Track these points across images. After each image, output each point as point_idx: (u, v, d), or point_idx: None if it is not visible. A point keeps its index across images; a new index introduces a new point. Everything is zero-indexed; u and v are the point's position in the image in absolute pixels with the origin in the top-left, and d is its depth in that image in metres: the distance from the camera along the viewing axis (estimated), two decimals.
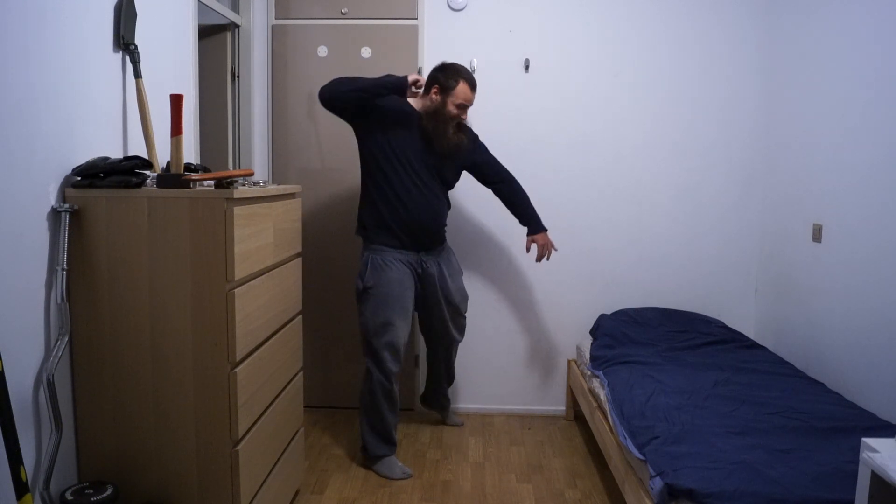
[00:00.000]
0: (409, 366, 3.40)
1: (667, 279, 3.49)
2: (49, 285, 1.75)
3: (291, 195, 2.39)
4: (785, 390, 2.50)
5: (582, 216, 3.47)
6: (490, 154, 3.08)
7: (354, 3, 3.39)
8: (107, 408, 1.84)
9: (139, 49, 2.11)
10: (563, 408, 3.57)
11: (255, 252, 1.97)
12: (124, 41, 2.06)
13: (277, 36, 3.42)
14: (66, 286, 1.75)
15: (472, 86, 2.81)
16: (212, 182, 1.89)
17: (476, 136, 3.05)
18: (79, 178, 1.81)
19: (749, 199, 3.45)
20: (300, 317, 2.51)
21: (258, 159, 3.47)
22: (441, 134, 2.79)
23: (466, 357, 3.51)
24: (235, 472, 1.85)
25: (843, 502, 1.66)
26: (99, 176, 1.81)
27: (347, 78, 2.73)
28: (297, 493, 2.62)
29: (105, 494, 1.71)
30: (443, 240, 3.02)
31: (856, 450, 1.57)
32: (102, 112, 2.00)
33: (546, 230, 3.09)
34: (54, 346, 1.74)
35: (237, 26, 3.33)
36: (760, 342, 3.27)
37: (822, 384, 2.63)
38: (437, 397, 3.36)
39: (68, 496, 1.69)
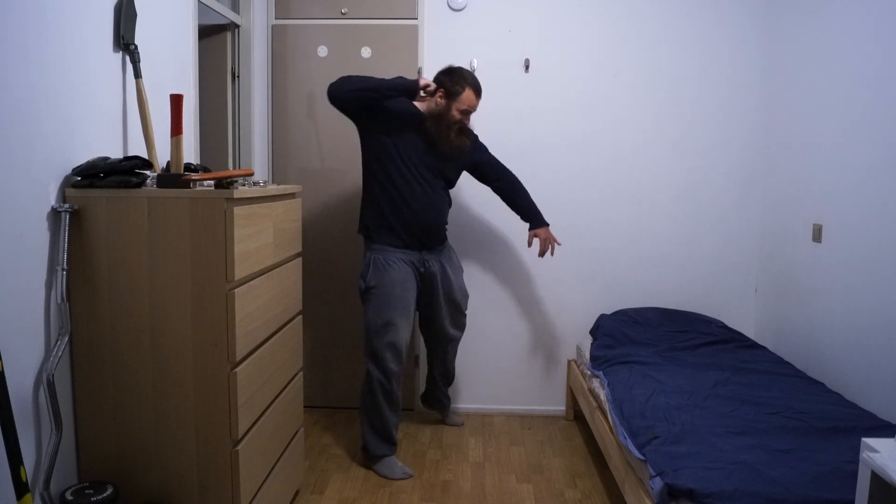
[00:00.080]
0: (409, 366, 3.39)
1: (667, 279, 3.49)
2: (49, 285, 1.75)
3: (291, 195, 2.39)
4: (785, 390, 2.50)
5: (582, 216, 3.47)
6: (489, 153, 3.09)
7: (354, 3, 3.39)
8: (107, 408, 1.84)
9: (139, 49, 2.11)
10: (563, 408, 3.57)
11: (255, 252, 1.97)
12: (124, 41, 2.06)
13: (277, 36, 3.42)
14: (66, 286, 1.75)
15: (478, 92, 2.82)
16: (212, 182, 1.89)
17: (476, 137, 3.06)
18: (79, 178, 1.81)
19: (749, 199, 3.45)
20: (300, 317, 2.51)
21: (258, 159, 3.47)
22: (444, 137, 2.80)
23: (466, 357, 3.51)
24: (235, 472, 1.85)
25: (843, 502, 1.66)
26: (99, 176, 1.81)
27: (357, 77, 2.72)
28: (297, 493, 2.61)
29: (105, 494, 1.71)
30: (444, 238, 3.03)
31: (856, 450, 1.57)
32: (102, 112, 2.00)
33: (548, 225, 3.11)
34: (54, 346, 1.74)
35: (237, 26, 3.33)
36: (760, 342, 3.27)
37: (822, 384, 2.63)
38: (437, 397, 3.36)
39: (68, 496, 1.69)
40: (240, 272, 1.84)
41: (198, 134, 2.73)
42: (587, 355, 3.15)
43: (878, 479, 1.45)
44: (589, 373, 3.03)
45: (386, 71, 2.96)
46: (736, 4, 3.36)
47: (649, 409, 2.32)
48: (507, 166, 3.14)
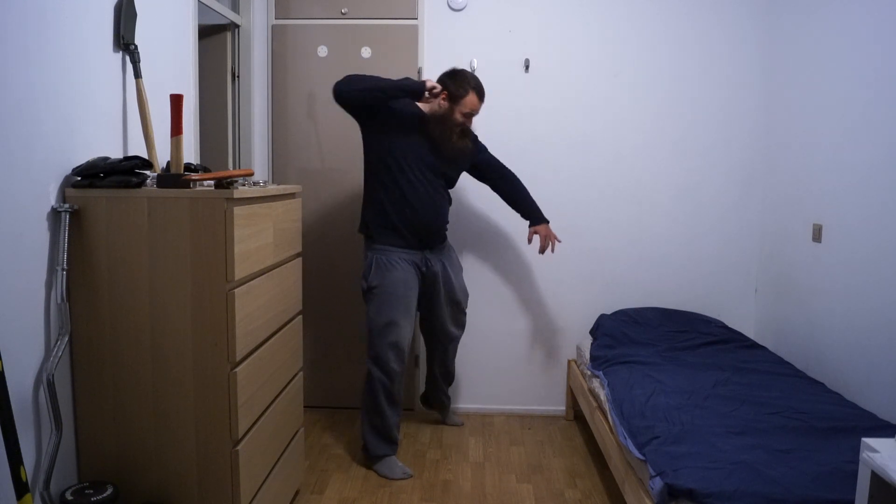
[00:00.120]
0: (409, 366, 3.38)
1: (667, 279, 3.49)
2: (49, 285, 1.75)
3: (291, 195, 2.39)
4: (785, 390, 2.50)
5: (582, 216, 3.47)
6: (488, 152, 3.11)
7: (354, 3, 3.39)
8: (107, 408, 1.84)
9: (139, 49, 2.11)
10: (563, 408, 3.57)
11: (255, 252, 1.97)
12: (124, 41, 2.06)
13: (277, 36, 3.42)
14: (66, 286, 1.75)
15: (481, 96, 2.83)
16: (212, 182, 1.89)
17: (475, 137, 3.06)
18: (79, 178, 1.81)
19: (749, 199, 3.45)
20: (300, 317, 2.51)
21: (258, 159, 3.47)
22: (447, 139, 2.81)
23: (466, 357, 3.51)
24: (235, 472, 1.85)
25: (843, 502, 1.66)
26: (99, 176, 1.81)
27: (364, 76, 2.71)
28: (297, 493, 2.61)
29: (105, 494, 1.71)
30: (445, 237, 3.04)
31: (856, 450, 1.57)
32: (102, 112, 2.00)
33: (548, 222, 3.11)
34: (54, 346, 1.74)
35: (237, 26, 3.33)
36: (760, 342, 3.27)
37: (822, 384, 2.63)
38: (438, 397, 3.36)
39: (68, 496, 1.69)
40: (240, 272, 1.84)
41: (198, 134, 2.73)
42: (587, 355, 3.15)
43: (878, 479, 1.45)
44: (589, 373, 3.03)
45: (386, 71, 2.96)
46: (736, 4, 3.36)
47: (649, 409, 2.32)
48: (508, 166, 3.14)
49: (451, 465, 2.96)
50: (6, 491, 1.53)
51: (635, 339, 3.10)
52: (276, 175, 3.48)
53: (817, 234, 2.86)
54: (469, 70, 3.27)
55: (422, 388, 3.46)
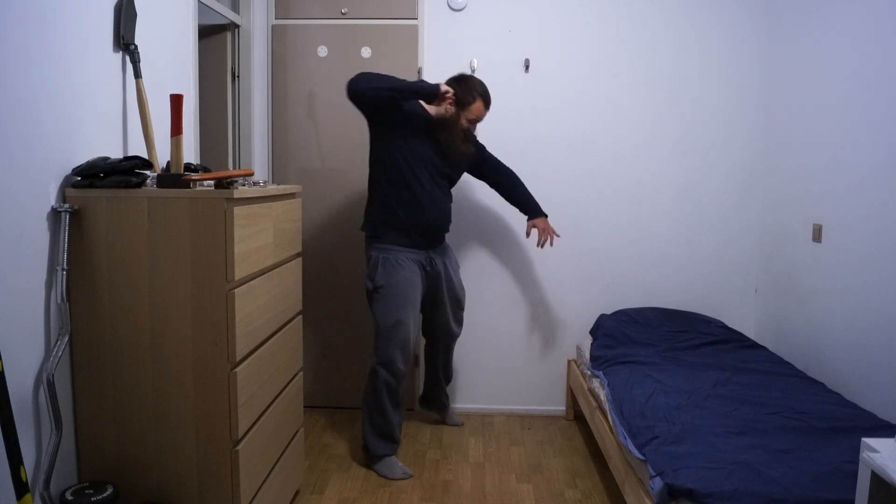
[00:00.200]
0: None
1: (667, 279, 3.49)
2: (49, 285, 1.75)
3: (291, 195, 2.39)
4: (785, 390, 2.50)
5: (582, 216, 3.47)
6: (487, 151, 3.12)
7: (354, 3, 3.39)
8: (107, 408, 1.84)
9: (139, 49, 2.11)
10: (563, 408, 3.57)
11: (255, 252, 1.97)
12: (124, 41, 2.06)
13: (277, 36, 3.42)
14: (66, 286, 1.75)
15: (487, 104, 2.85)
16: (212, 182, 1.89)
17: (475, 137, 3.06)
18: (79, 178, 1.81)
19: (749, 199, 3.45)
20: (300, 317, 2.51)
21: (258, 159, 3.47)
22: (453, 143, 2.83)
23: (466, 357, 3.51)
24: (235, 472, 1.85)
25: (843, 502, 1.66)
26: (99, 176, 1.81)
27: (377, 74, 2.71)
28: (297, 493, 2.62)
29: (105, 494, 1.71)
30: (444, 237, 3.05)
31: (856, 450, 1.57)
32: (102, 112, 2.00)
33: (546, 216, 3.13)
34: (54, 346, 1.74)
35: (237, 26, 3.33)
36: (760, 342, 3.27)
37: (822, 384, 2.63)
38: (437, 396, 3.36)
39: (68, 496, 1.69)
40: (240, 272, 1.84)
41: (198, 134, 2.73)
42: (587, 355, 3.15)
43: (878, 479, 1.45)
44: (589, 373, 3.03)
45: (386, 71, 2.95)
46: (736, 4, 3.36)
47: (649, 409, 2.32)
48: (508, 166, 3.15)
49: (451, 465, 2.96)
50: (6, 491, 1.53)
51: (635, 339, 3.10)
52: (276, 175, 3.48)
53: (817, 234, 2.86)
54: (471, 71, 3.29)
55: (421, 388, 3.46)
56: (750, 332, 3.42)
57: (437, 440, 3.24)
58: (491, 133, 3.23)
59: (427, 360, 3.30)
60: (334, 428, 3.33)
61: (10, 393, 1.50)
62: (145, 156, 2.11)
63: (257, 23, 3.39)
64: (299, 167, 3.49)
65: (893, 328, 2.36)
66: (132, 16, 2.09)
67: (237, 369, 1.84)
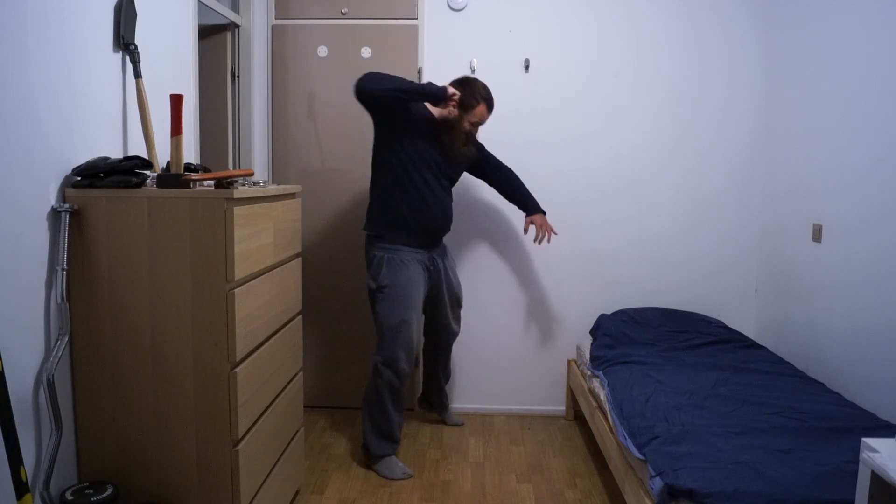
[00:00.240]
0: None
1: (667, 279, 3.49)
2: (49, 285, 1.75)
3: (291, 195, 2.40)
4: (785, 390, 2.50)
5: (582, 216, 3.47)
6: (485, 150, 3.14)
7: (354, 3, 3.39)
8: (107, 408, 1.84)
9: (139, 49, 2.11)
10: (563, 408, 3.57)
11: (255, 252, 1.97)
12: (124, 41, 2.06)
13: (277, 36, 3.41)
14: (66, 286, 1.75)
15: (490, 108, 2.86)
16: (212, 182, 1.89)
17: (474, 137, 3.06)
18: (79, 178, 1.81)
19: (749, 199, 3.45)
20: (300, 317, 2.51)
21: (258, 159, 3.47)
22: (455, 146, 2.84)
23: (466, 357, 3.51)
24: (235, 472, 1.85)
25: (843, 502, 1.66)
26: (99, 176, 1.81)
27: (385, 75, 2.70)
28: (297, 493, 2.62)
29: (105, 494, 1.71)
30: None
31: (856, 450, 1.57)
32: (102, 112, 2.00)
33: (544, 213, 3.13)
34: (54, 346, 1.74)
35: (237, 26, 3.33)
36: (760, 342, 3.27)
37: (822, 384, 2.63)
38: (437, 396, 3.36)
39: (68, 496, 1.69)
40: (240, 272, 1.84)
41: (198, 134, 2.73)
42: (587, 355, 3.15)
43: (878, 479, 1.45)
44: (589, 373, 3.03)
45: (385, 71, 2.95)
46: (736, 4, 3.36)
47: (649, 409, 2.32)
48: (507, 165, 3.15)
49: (451, 465, 2.96)
50: (6, 491, 1.53)
51: (635, 339, 3.10)
52: (276, 175, 3.48)
53: (817, 234, 2.86)
54: (471, 71, 3.29)
55: (421, 388, 3.46)
56: (750, 332, 3.42)
57: (437, 440, 3.24)
58: (491, 133, 3.23)
59: (427, 359, 3.30)
60: (334, 428, 3.33)
61: (10, 393, 1.50)
62: (145, 156, 2.11)
63: (257, 23, 3.39)
64: (299, 167, 3.49)
65: (893, 328, 2.36)
66: (132, 16, 2.09)
67: (237, 369, 1.84)
